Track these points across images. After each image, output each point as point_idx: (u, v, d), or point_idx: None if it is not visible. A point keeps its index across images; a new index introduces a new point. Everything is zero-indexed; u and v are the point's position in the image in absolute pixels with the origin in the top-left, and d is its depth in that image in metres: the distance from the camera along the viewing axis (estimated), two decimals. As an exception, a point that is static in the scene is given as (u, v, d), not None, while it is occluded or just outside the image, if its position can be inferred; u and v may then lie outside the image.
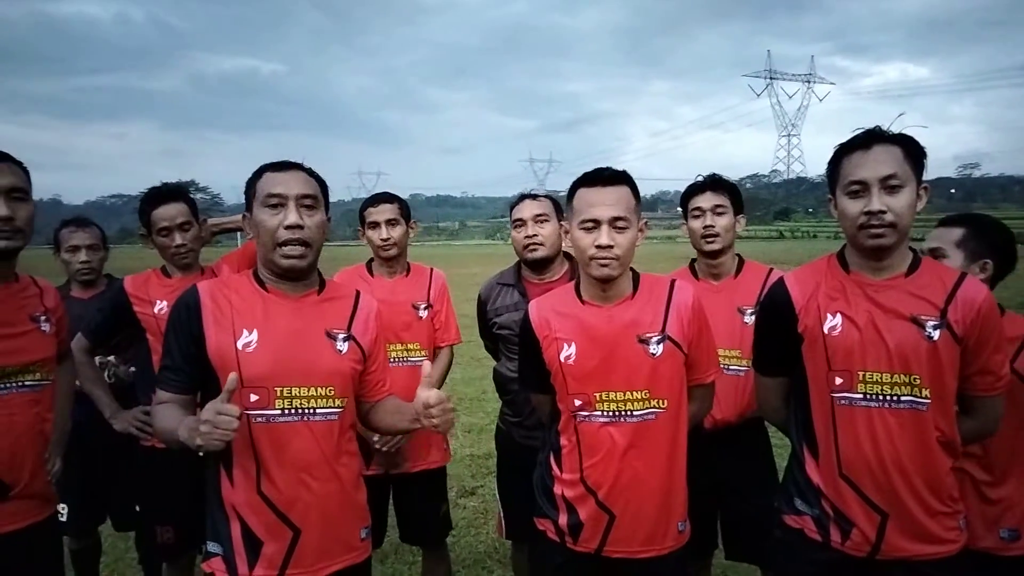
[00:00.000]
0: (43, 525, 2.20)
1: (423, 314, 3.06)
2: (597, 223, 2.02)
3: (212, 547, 1.93)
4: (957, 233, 2.24)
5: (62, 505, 3.00)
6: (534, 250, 2.85)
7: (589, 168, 2.13)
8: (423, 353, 3.02)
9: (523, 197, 2.97)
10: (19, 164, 2.08)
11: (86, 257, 3.30)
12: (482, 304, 3.07)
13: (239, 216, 2.29)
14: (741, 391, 2.61)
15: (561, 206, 2.95)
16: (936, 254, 2.22)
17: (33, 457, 2.14)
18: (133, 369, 3.01)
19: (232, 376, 1.74)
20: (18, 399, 2.07)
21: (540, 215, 2.86)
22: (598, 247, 2.01)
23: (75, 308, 3.08)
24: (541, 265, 2.90)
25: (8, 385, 2.05)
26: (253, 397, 1.86)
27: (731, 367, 2.66)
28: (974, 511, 2.10)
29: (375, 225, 3.00)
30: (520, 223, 2.89)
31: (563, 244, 2.95)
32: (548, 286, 2.88)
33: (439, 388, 2.70)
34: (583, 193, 2.08)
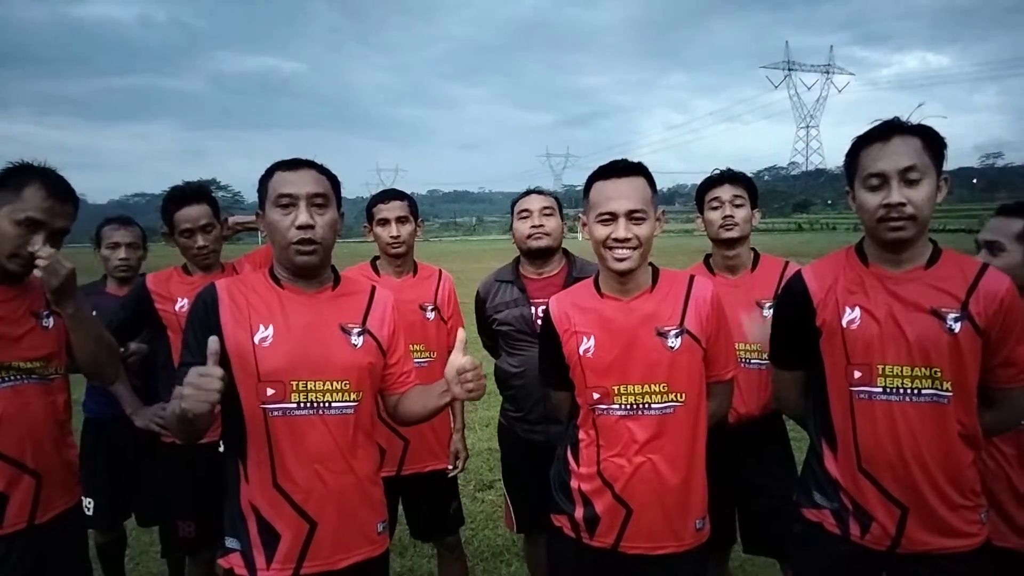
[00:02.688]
0: (69, 514, 2.24)
1: (430, 315, 3.04)
2: (614, 216, 2.02)
3: (230, 542, 1.95)
4: (1018, 225, 2.14)
5: (88, 500, 3.06)
6: (539, 239, 2.87)
7: (606, 162, 2.13)
8: (428, 355, 3.00)
9: (529, 192, 3.00)
10: (77, 203, 2.15)
11: (125, 255, 3.35)
12: (481, 301, 3.08)
13: (254, 216, 2.32)
14: (763, 385, 2.60)
15: (562, 205, 3.01)
16: (993, 248, 2.13)
17: (53, 444, 2.18)
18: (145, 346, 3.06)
19: (213, 339, 1.76)
20: (31, 389, 2.12)
21: (546, 208, 2.90)
22: (615, 240, 2.01)
23: (109, 304, 3.15)
24: (542, 256, 2.92)
25: (20, 377, 2.09)
26: (270, 391, 1.88)
27: (752, 361, 2.66)
28: (1011, 513, 2.10)
29: (385, 222, 2.97)
30: (526, 213, 2.91)
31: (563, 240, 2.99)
32: (546, 280, 2.90)
33: None
34: (599, 186, 2.08)
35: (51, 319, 2.23)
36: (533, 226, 2.88)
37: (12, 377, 2.08)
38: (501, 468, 3.20)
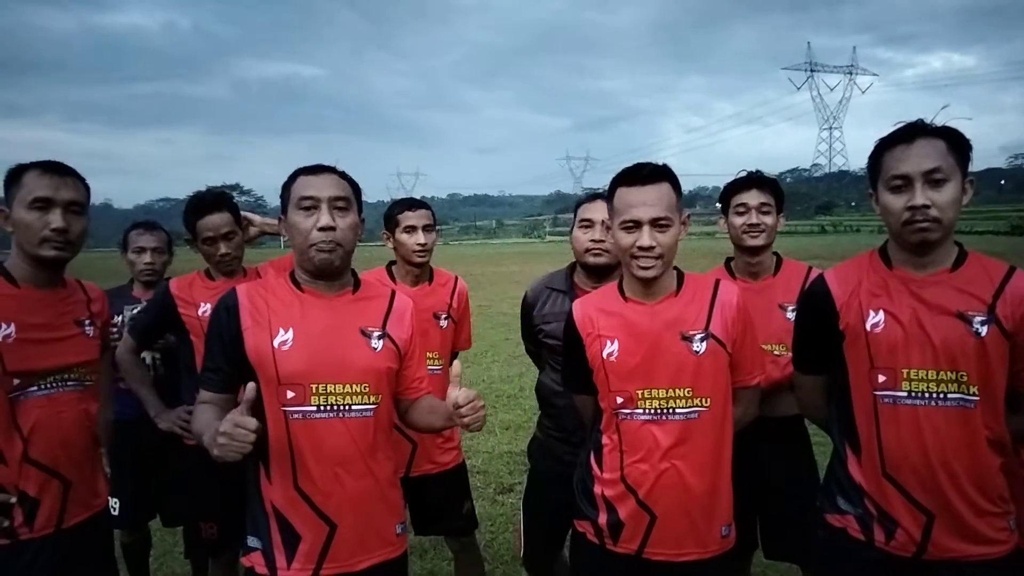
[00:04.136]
0: (97, 517, 2.29)
1: (443, 324, 3.01)
2: (638, 224, 2.00)
3: (251, 541, 1.98)
4: None
5: (114, 500, 3.10)
6: (598, 255, 2.66)
7: (630, 164, 2.09)
8: (441, 362, 2.98)
9: (596, 196, 2.74)
10: (82, 179, 2.17)
11: (151, 259, 3.41)
12: (528, 307, 2.90)
13: (276, 220, 2.34)
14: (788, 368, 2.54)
15: None
16: None
17: (83, 451, 2.23)
18: (172, 339, 3.10)
19: (251, 387, 1.78)
20: (65, 396, 2.16)
21: None
22: (640, 248, 1.99)
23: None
24: (601, 272, 2.70)
25: (54, 385, 2.14)
26: (290, 394, 1.90)
27: (777, 354, 2.62)
28: None
29: (412, 229, 2.93)
30: (588, 224, 2.68)
31: None
32: None
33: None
34: (623, 193, 2.05)
35: (92, 328, 2.28)
36: (593, 240, 2.64)
37: (48, 385, 2.13)
38: (526, 485, 2.99)
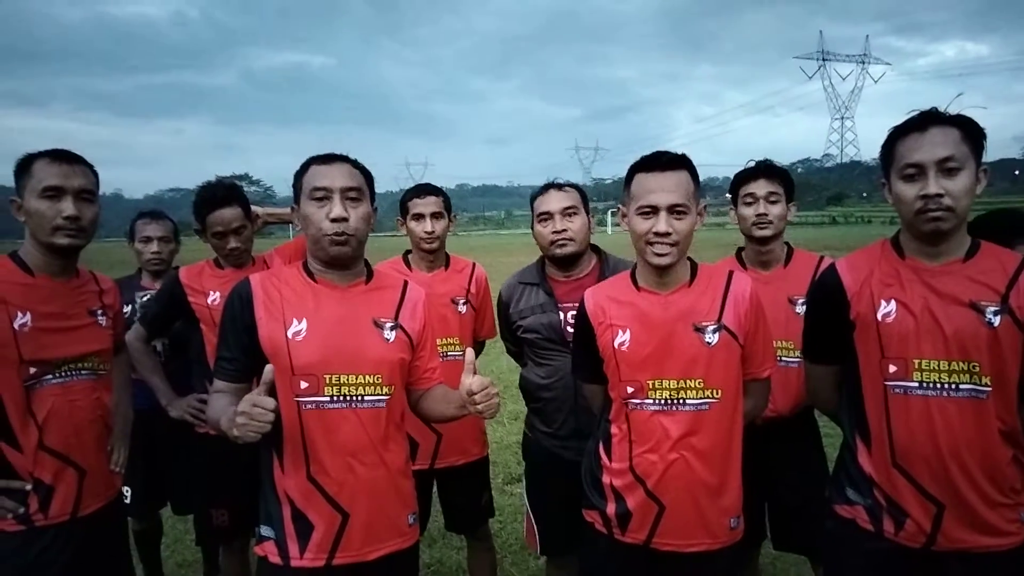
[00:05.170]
0: (111, 506, 2.32)
1: (462, 309, 3.00)
2: (655, 210, 1.99)
3: (264, 531, 1.99)
4: None
5: (126, 488, 3.13)
6: (563, 245, 2.64)
7: (635, 156, 2.10)
8: (461, 347, 2.94)
9: (548, 187, 2.74)
10: (90, 166, 2.19)
11: (157, 248, 3.43)
12: (504, 305, 2.89)
13: (289, 209, 2.34)
14: (794, 383, 2.55)
15: (587, 196, 2.82)
16: None
17: (97, 439, 2.26)
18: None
19: (269, 368, 1.79)
20: (79, 385, 2.19)
21: (569, 208, 2.65)
22: (656, 234, 1.98)
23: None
24: (569, 262, 2.70)
25: (69, 373, 2.17)
26: (303, 384, 1.91)
27: (783, 359, 2.61)
28: None
29: (419, 217, 2.93)
30: (546, 216, 2.67)
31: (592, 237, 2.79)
32: (576, 283, 2.70)
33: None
34: (641, 178, 2.04)
35: (105, 318, 2.30)
36: (555, 231, 2.64)
37: (63, 374, 2.15)
38: (525, 484, 2.93)
